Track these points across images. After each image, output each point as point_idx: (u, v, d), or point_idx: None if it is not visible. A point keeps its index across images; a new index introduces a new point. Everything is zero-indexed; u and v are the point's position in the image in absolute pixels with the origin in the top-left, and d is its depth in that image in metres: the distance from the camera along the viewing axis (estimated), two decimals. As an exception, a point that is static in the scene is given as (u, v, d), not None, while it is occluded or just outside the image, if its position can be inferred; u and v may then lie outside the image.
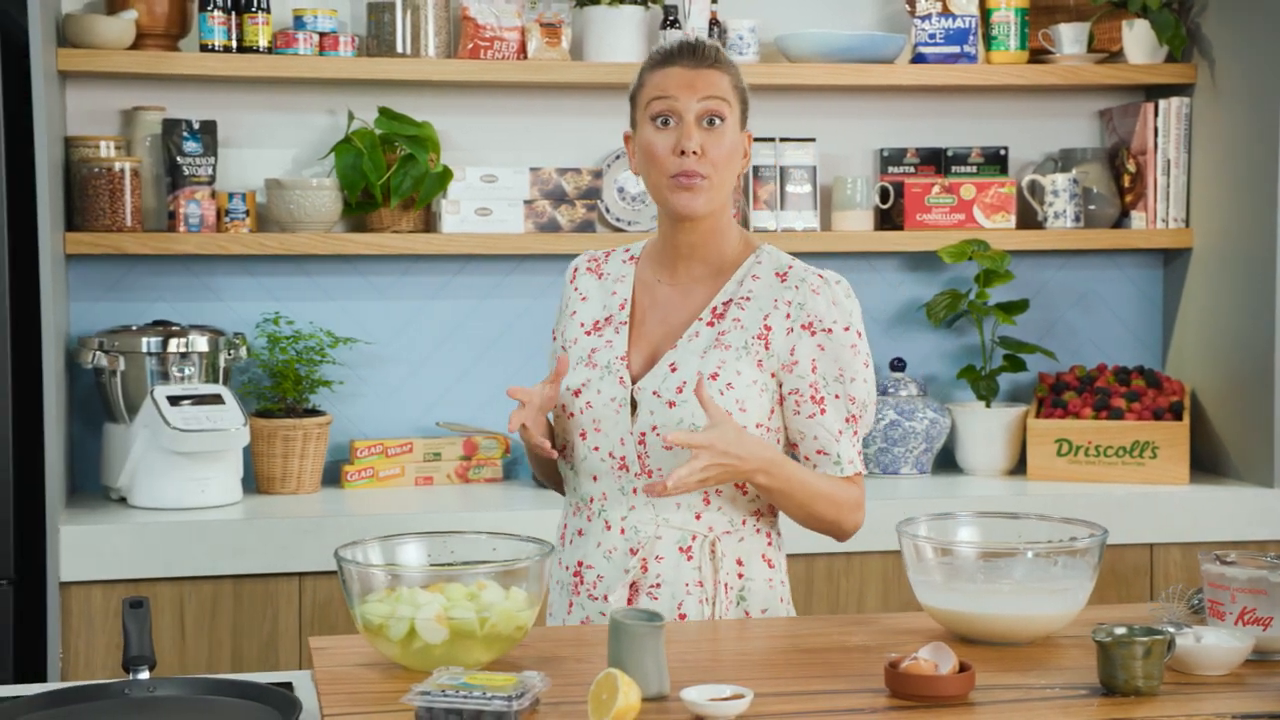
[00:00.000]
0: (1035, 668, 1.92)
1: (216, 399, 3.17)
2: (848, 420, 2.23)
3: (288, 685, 1.93)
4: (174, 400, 3.13)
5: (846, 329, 2.22)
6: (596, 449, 2.23)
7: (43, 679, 2.94)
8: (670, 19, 3.51)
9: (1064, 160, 3.76)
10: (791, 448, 2.26)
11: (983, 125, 3.79)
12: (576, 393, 2.24)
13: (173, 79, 3.39)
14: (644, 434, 2.19)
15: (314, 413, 3.38)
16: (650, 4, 3.50)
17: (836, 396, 2.22)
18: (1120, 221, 3.76)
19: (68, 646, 2.97)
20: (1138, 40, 3.64)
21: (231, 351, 3.31)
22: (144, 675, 1.89)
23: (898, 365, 3.67)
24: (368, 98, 3.48)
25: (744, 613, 2.23)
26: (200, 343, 3.26)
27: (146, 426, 3.13)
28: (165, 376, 3.23)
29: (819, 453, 2.22)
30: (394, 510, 3.18)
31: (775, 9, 3.66)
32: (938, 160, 3.71)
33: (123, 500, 3.21)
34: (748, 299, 2.24)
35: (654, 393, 2.20)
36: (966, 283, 3.70)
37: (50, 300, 2.97)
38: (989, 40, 3.65)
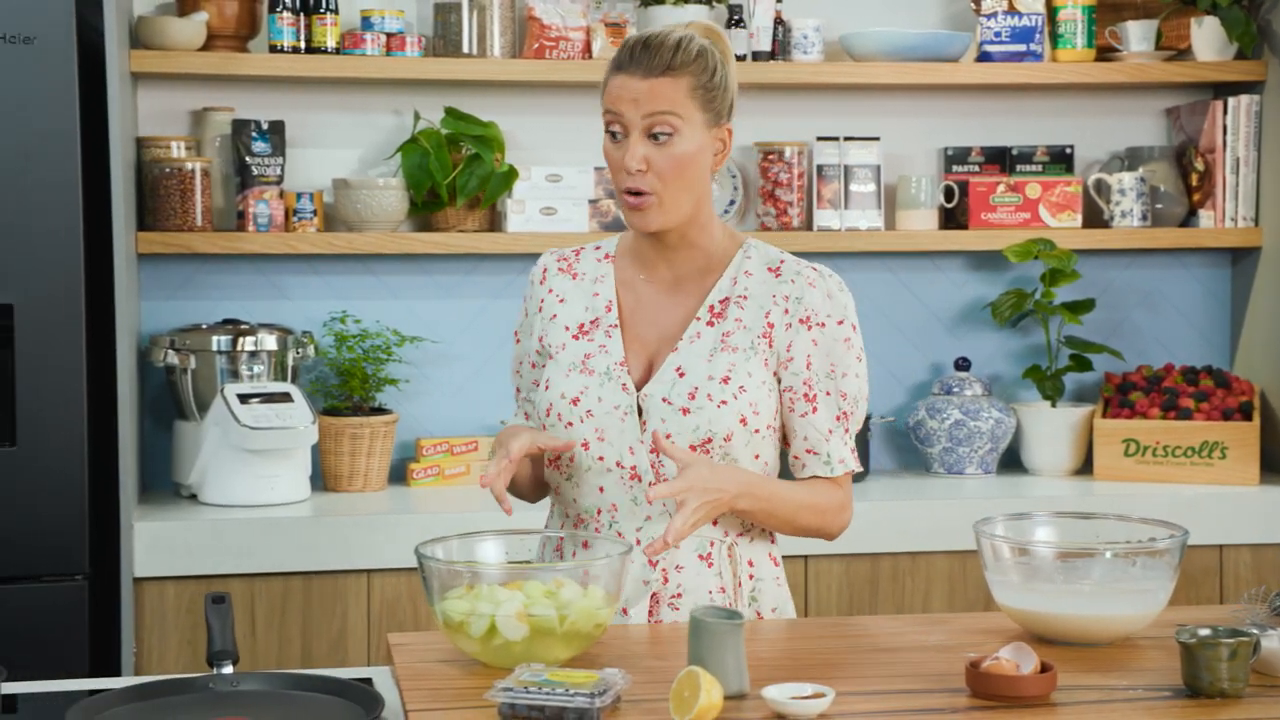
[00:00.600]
0: (1116, 669, 1.91)
1: (285, 397, 3.19)
2: (838, 418, 2.19)
3: (367, 681, 1.94)
4: (244, 398, 3.15)
5: (840, 323, 2.19)
6: (601, 459, 2.15)
7: (116, 673, 2.97)
8: (735, 18, 3.51)
9: (1130, 159, 3.74)
10: (783, 445, 2.23)
11: (1048, 124, 3.77)
12: (574, 400, 2.17)
13: (242, 80, 3.42)
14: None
15: (380, 411, 3.40)
16: (715, 4, 3.50)
17: (828, 394, 2.18)
18: (1188, 220, 3.72)
19: (141, 641, 3.01)
20: (1206, 37, 3.61)
21: (299, 350, 3.33)
22: (228, 669, 1.91)
23: (963, 365, 3.65)
24: (434, 98, 3.49)
25: (755, 613, 2.20)
26: (269, 341, 3.29)
27: (217, 424, 3.16)
28: (235, 375, 3.26)
29: (809, 452, 2.19)
30: (460, 508, 3.19)
31: (840, 8, 3.65)
32: (1003, 159, 3.69)
33: (193, 497, 3.25)
34: (745, 297, 2.19)
35: (663, 399, 2.14)
36: (1032, 282, 3.68)
37: (123, 299, 3.00)
38: (1055, 38, 3.62)
